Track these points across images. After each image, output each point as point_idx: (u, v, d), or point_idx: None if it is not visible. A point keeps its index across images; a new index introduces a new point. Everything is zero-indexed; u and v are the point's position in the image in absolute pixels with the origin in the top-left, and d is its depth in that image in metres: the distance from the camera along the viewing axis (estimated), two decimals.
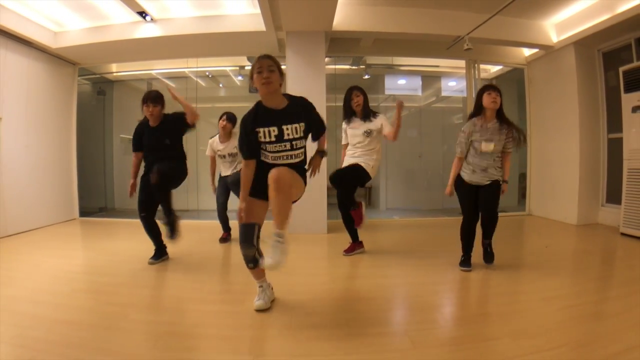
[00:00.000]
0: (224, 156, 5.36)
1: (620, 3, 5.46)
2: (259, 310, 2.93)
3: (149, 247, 4.46)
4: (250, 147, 2.81)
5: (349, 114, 4.64)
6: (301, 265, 4.22)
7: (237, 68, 8.34)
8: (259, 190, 2.81)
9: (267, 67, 2.70)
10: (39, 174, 6.71)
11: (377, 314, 2.95)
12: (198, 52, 7.27)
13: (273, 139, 2.75)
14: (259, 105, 2.82)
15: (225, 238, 5.55)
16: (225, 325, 2.73)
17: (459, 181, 4.13)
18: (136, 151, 4.41)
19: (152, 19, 6.11)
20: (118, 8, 5.85)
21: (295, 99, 2.91)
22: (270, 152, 2.81)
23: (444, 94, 9.13)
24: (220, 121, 5.28)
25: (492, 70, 8.60)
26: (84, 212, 7.88)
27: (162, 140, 4.33)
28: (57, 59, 7.08)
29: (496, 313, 2.95)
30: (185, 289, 3.55)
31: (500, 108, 3.92)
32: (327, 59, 6.65)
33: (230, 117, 5.28)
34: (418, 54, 7.57)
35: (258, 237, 2.80)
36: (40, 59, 6.68)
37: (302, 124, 2.81)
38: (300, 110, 2.86)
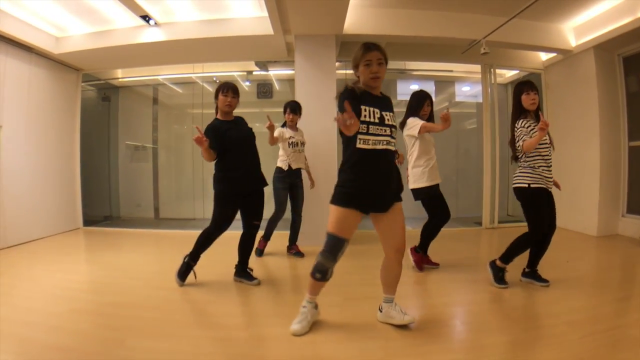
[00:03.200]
0: (297, 144, 5.03)
1: None
2: (295, 336, 2.74)
3: (154, 262, 4.31)
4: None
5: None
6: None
7: (245, 73, 8.18)
8: (360, 199, 2.66)
9: (376, 60, 2.62)
10: (41, 182, 6.56)
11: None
12: (204, 57, 7.09)
13: (377, 120, 2.60)
14: (359, 87, 2.71)
15: (262, 250, 5.25)
16: (234, 356, 2.53)
17: (536, 190, 3.67)
18: (212, 149, 3.65)
19: (156, 23, 5.93)
20: (120, 12, 5.67)
21: (387, 96, 2.87)
22: (372, 134, 2.59)
23: (457, 99, 8.92)
24: (287, 115, 4.99)
25: (507, 75, 8.38)
26: (88, 220, 7.72)
27: (253, 136, 4.01)
28: (59, 64, 6.94)
29: (519, 341, 2.72)
30: (194, 312, 3.34)
31: (538, 107, 3.71)
32: (337, 64, 6.44)
33: (294, 108, 5.03)
34: (432, 58, 7.34)
35: (342, 253, 2.70)
36: (42, 65, 6.53)
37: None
38: (391, 104, 2.82)
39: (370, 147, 2.59)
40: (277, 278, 4.37)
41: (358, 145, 2.59)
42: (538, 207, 3.67)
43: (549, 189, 3.74)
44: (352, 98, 2.53)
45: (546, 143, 3.68)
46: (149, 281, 4.13)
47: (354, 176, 2.63)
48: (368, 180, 2.62)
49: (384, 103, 2.73)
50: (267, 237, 5.22)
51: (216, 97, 3.87)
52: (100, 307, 3.40)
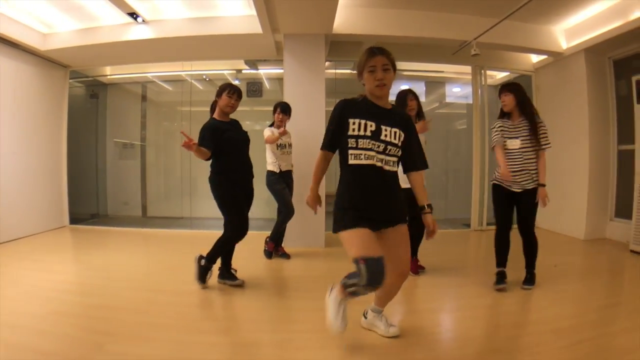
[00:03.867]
0: (285, 145, 5.06)
1: (635, 9, 5.22)
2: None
3: (141, 262, 4.23)
4: (333, 137, 2.53)
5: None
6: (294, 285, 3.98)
7: (234, 72, 8.12)
8: (363, 213, 2.43)
9: (381, 66, 2.43)
10: (26, 180, 6.47)
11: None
12: (192, 55, 7.02)
13: (369, 133, 2.39)
14: (364, 98, 2.56)
15: (285, 253, 5.21)
16: None
17: (494, 186, 3.95)
18: (207, 147, 3.61)
19: (143, 21, 5.84)
20: (108, 9, 5.57)
21: (399, 110, 2.71)
22: (362, 149, 2.39)
23: (448, 100, 8.89)
24: (276, 115, 4.98)
25: (497, 76, 8.36)
26: (75, 218, 7.63)
27: (249, 140, 4.01)
28: (46, 61, 6.84)
29: (505, 349, 2.69)
30: (178, 316, 3.25)
31: (522, 104, 3.79)
32: (327, 63, 6.39)
33: (284, 109, 5.02)
34: (422, 59, 7.29)
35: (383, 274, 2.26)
36: (28, 61, 6.44)
37: (403, 134, 2.49)
38: (403, 120, 2.55)
39: (363, 162, 2.41)
40: (263, 281, 4.32)
41: (350, 162, 2.43)
42: (495, 204, 3.96)
43: (516, 191, 3.80)
44: (344, 108, 2.49)
45: (515, 148, 3.77)
46: (134, 283, 4.08)
47: (349, 196, 2.47)
48: (365, 195, 2.44)
49: (390, 117, 2.48)
50: (280, 242, 5.21)
51: (219, 95, 3.84)
52: (84, 309, 3.36)
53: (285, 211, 4.99)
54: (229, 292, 3.81)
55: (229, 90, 3.78)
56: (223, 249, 3.86)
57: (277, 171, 4.95)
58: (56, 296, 3.65)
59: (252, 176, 3.99)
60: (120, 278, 4.22)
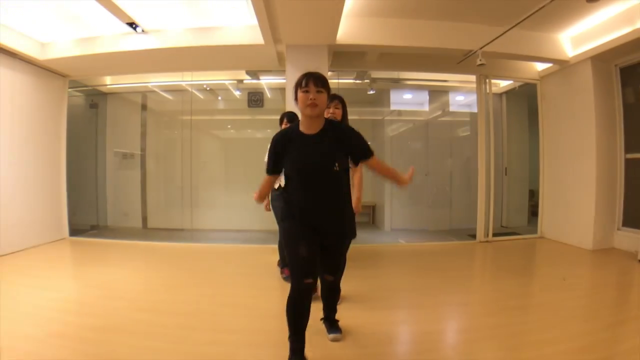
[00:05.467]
0: None
1: None
2: None
3: (140, 279, 4.11)
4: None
5: None
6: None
7: (235, 82, 8.05)
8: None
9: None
10: (26, 192, 6.38)
11: None
12: (193, 65, 6.94)
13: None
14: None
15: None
16: None
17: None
18: (271, 174, 2.75)
19: (142, 31, 5.77)
20: (107, 18, 5.46)
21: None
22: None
23: (451, 109, 8.80)
24: (283, 125, 4.59)
25: (501, 84, 8.29)
26: (75, 229, 7.53)
27: (331, 160, 2.56)
28: (45, 71, 6.76)
29: None
30: (176, 339, 3.12)
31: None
32: (329, 73, 6.31)
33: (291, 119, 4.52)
34: (427, 68, 7.19)
35: None
36: (26, 71, 6.36)
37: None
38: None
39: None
40: (268, 303, 4.20)
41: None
42: None
43: None
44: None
45: None
46: (132, 302, 3.95)
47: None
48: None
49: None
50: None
51: None
52: (80, 330, 3.24)
53: None
54: (230, 316, 3.70)
55: (301, 85, 2.77)
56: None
57: (276, 187, 4.39)
58: (55, 316, 3.54)
59: None
60: (120, 297, 4.10)
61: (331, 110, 3.57)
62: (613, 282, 4.85)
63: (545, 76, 7.24)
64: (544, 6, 4.53)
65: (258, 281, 4.74)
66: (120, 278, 4.87)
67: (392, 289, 4.44)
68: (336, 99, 3.63)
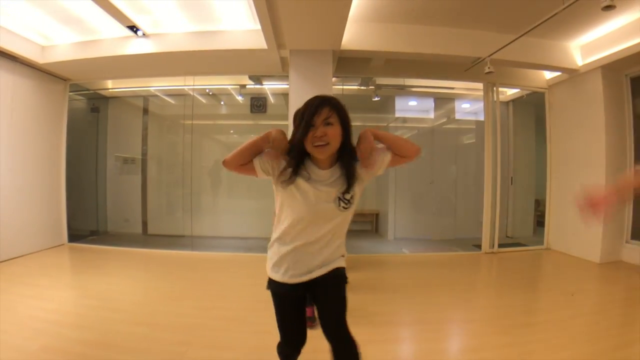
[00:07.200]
0: None
1: None
2: None
3: (139, 289, 4.00)
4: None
5: None
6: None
7: (238, 87, 7.95)
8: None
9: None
10: (25, 197, 6.29)
11: None
12: (194, 69, 6.83)
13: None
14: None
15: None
16: None
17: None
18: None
19: (144, 34, 5.67)
20: (107, 22, 5.40)
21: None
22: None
23: (457, 116, 8.69)
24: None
25: (508, 93, 8.17)
26: (74, 235, 7.42)
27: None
28: (45, 74, 6.68)
29: None
30: (171, 355, 3.02)
31: None
32: (334, 79, 6.20)
33: None
34: (434, 75, 7.06)
35: None
36: (26, 74, 6.28)
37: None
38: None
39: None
40: (269, 318, 4.07)
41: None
42: None
43: None
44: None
45: None
46: (129, 314, 3.84)
47: None
48: None
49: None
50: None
51: None
52: (72, 345, 3.15)
53: None
54: (229, 332, 3.58)
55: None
56: None
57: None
58: (46, 328, 3.44)
59: None
60: (117, 309, 3.99)
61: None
62: (622, 298, 4.71)
63: (553, 85, 7.12)
64: (556, 14, 4.41)
65: (259, 293, 4.60)
66: (117, 288, 4.76)
67: (395, 303, 4.32)
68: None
